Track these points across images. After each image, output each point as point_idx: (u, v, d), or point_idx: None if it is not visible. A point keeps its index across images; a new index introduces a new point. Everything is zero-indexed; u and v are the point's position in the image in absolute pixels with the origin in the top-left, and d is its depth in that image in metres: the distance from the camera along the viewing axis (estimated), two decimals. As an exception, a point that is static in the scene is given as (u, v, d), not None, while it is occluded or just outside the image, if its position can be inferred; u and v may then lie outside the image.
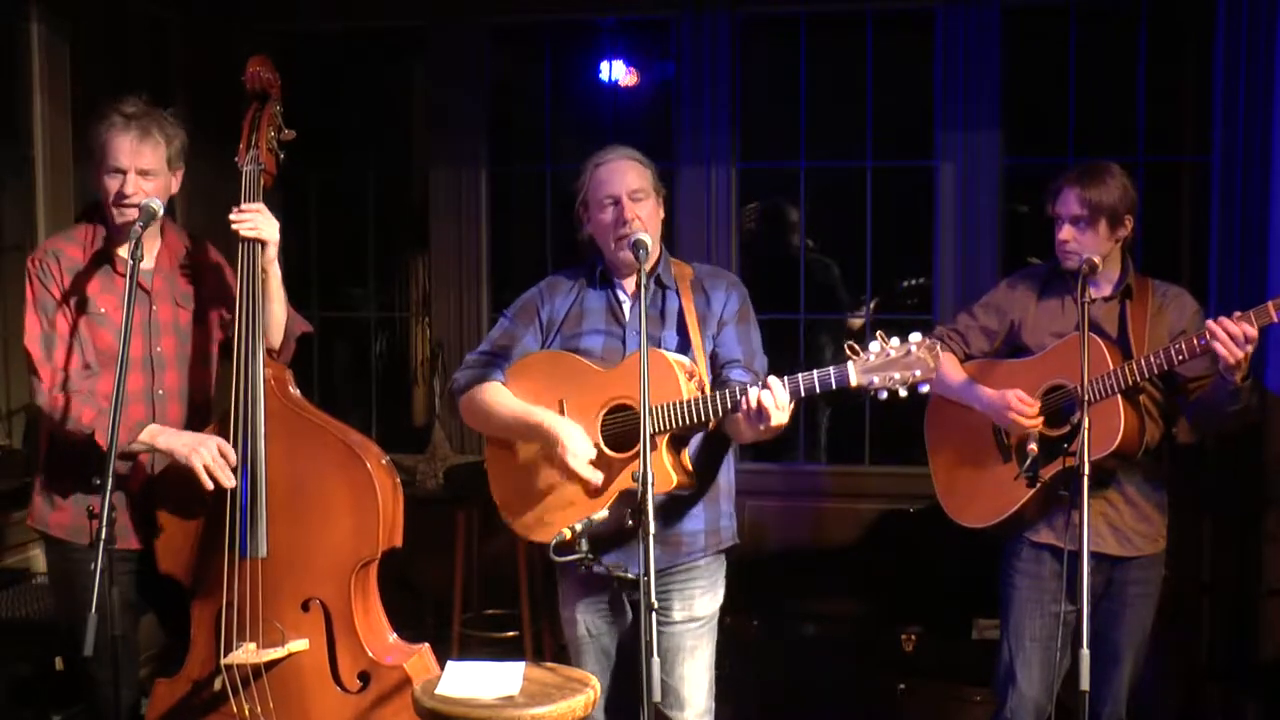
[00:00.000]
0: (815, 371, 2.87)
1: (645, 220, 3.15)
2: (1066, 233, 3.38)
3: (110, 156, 3.22)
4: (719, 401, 2.92)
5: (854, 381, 2.81)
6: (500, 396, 3.21)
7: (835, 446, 5.61)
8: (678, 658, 3.21)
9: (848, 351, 2.83)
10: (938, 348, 2.78)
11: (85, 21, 4.64)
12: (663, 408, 2.94)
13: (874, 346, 2.80)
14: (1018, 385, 3.40)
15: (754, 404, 2.85)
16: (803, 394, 2.87)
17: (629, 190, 3.15)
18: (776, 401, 2.84)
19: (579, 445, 3.04)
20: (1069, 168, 3.49)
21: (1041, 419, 3.36)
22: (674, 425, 2.96)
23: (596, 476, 3.03)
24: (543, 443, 3.10)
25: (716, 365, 3.19)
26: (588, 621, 3.27)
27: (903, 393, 2.79)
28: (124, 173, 3.22)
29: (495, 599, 5.01)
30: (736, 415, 2.90)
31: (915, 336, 2.79)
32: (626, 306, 3.23)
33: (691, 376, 3.04)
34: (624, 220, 3.14)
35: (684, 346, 3.17)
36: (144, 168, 3.23)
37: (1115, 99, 5.01)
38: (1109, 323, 3.42)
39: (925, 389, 2.80)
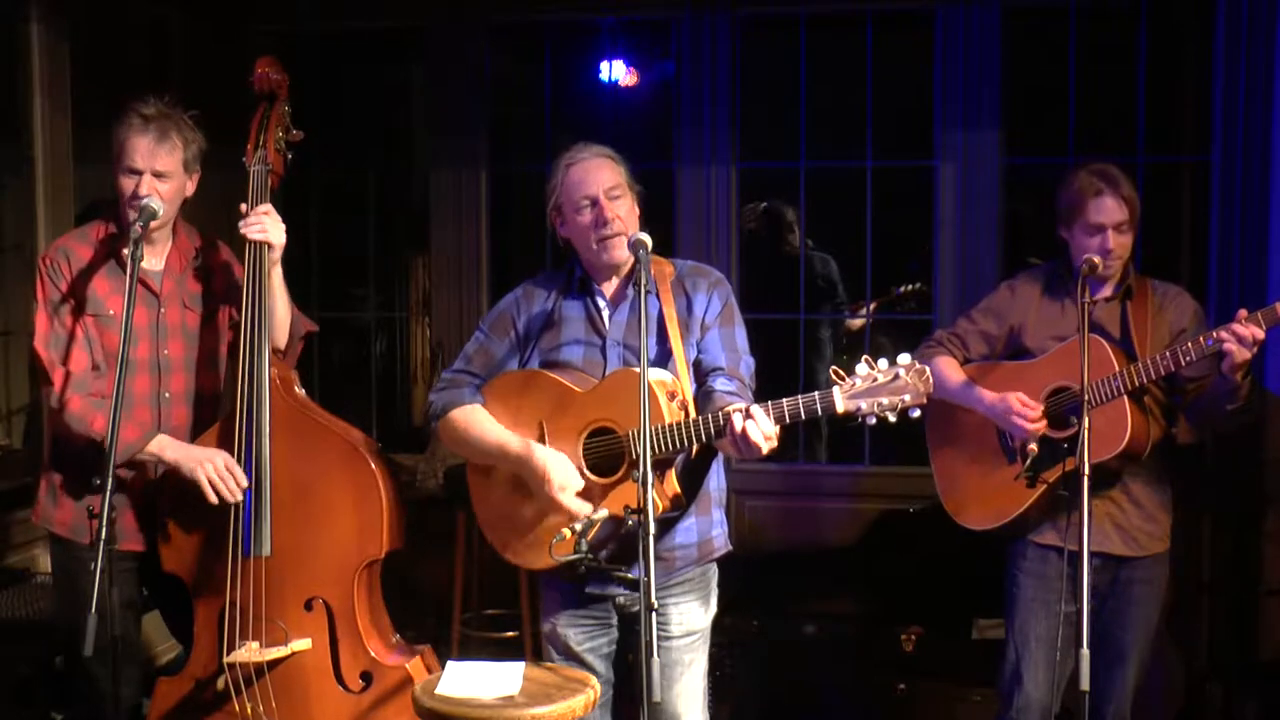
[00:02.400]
0: (800, 397, 2.78)
1: (624, 218, 3.03)
2: (1114, 240, 3.34)
3: (127, 156, 3.22)
4: (702, 427, 2.83)
5: (840, 408, 2.73)
6: (480, 422, 3.07)
7: (835, 446, 5.61)
8: (674, 672, 3.12)
9: (833, 376, 2.74)
10: (928, 372, 2.70)
11: (85, 21, 4.63)
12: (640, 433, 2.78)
13: (860, 370, 2.72)
14: (1021, 388, 3.39)
15: (739, 432, 2.75)
16: (787, 420, 2.79)
17: (605, 189, 3.03)
18: (763, 431, 2.75)
19: (565, 477, 2.92)
20: (1078, 175, 3.41)
21: (1044, 421, 3.35)
22: (656, 450, 2.83)
23: (584, 508, 2.90)
24: (527, 477, 2.98)
25: (700, 373, 3.06)
26: (569, 636, 3.15)
27: (892, 418, 2.72)
28: (140, 173, 3.22)
29: (495, 599, 5.00)
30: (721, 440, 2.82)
31: (904, 359, 2.71)
32: (607, 314, 3.09)
33: (673, 397, 2.91)
34: (604, 220, 3.01)
35: (664, 355, 3.03)
36: (159, 169, 3.23)
37: (1115, 99, 5.01)
38: (1111, 323, 3.42)
39: (916, 414, 2.73)
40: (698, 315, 3.08)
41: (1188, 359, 3.18)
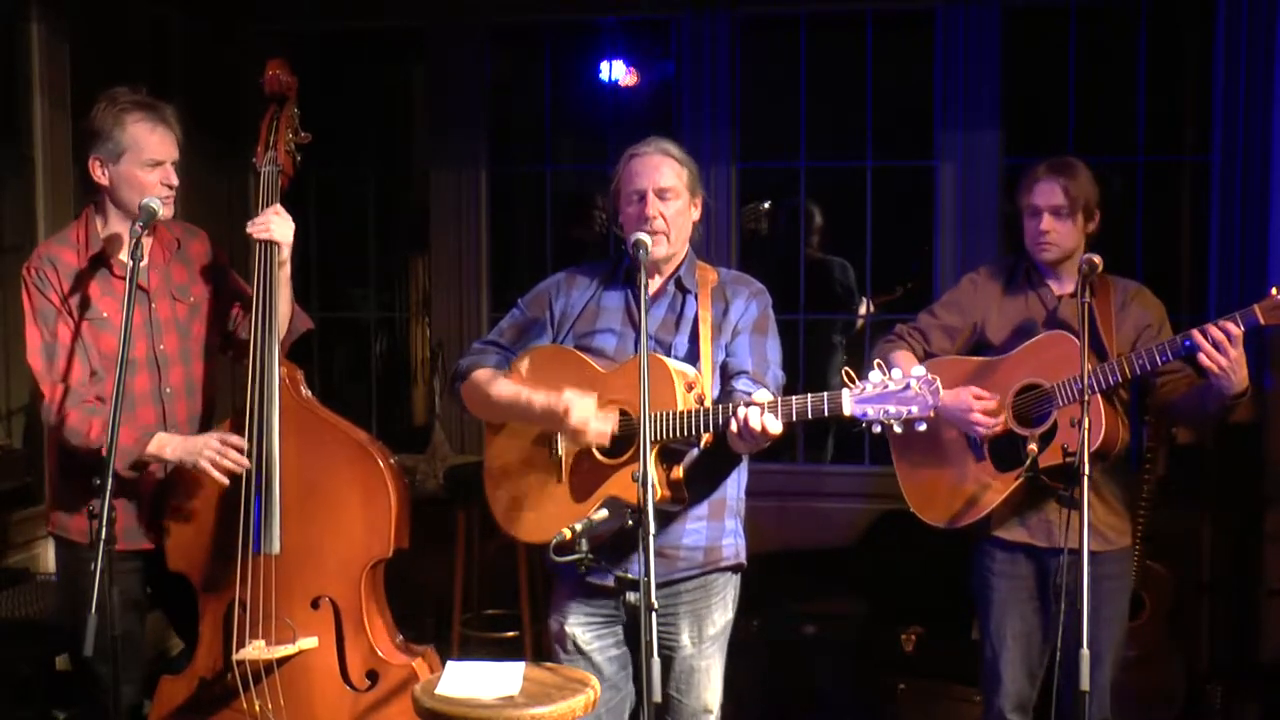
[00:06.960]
0: (809, 396, 2.78)
1: (670, 220, 3.04)
2: (1048, 223, 3.38)
3: (147, 150, 3.20)
4: (710, 417, 2.84)
5: (846, 411, 2.72)
6: (501, 380, 3.12)
7: (836, 446, 5.61)
8: (693, 679, 3.14)
9: (844, 379, 2.74)
10: (938, 384, 2.69)
11: (85, 21, 4.64)
12: (654, 417, 2.83)
13: (873, 376, 2.72)
14: (989, 385, 3.38)
15: (743, 421, 2.77)
16: (794, 418, 2.79)
17: (657, 187, 3.04)
18: (766, 426, 2.76)
19: (586, 405, 2.93)
20: (1038, 161, 3.47)
21: (1003, 418, 3.34)
22: (664, 436, 2.85)
23: (605, 427, 2.93)
24: (546, 413, 2.99)
25: (726, 375, 3.07)
26: (578, 635, 3.16)
27: (897, 429, 2.71)
28: (162, 164, 3.22)
29: (495, 599, 5.00)
30: (729, 431, 2.82)
31: (918, 370, 2.70)
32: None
33: (691, 388, 2.94)
34: (646, 217, 3.02)
35: (693, 355, 3.05)
36: (175, 158, 3.25)
37: (1115, 99, 5.01)
38: (1076, 320, 3.42)
39: (923, 428, 2.72)
40: (732, 320, 3.10)
41: (1164, 358, 3.18)
